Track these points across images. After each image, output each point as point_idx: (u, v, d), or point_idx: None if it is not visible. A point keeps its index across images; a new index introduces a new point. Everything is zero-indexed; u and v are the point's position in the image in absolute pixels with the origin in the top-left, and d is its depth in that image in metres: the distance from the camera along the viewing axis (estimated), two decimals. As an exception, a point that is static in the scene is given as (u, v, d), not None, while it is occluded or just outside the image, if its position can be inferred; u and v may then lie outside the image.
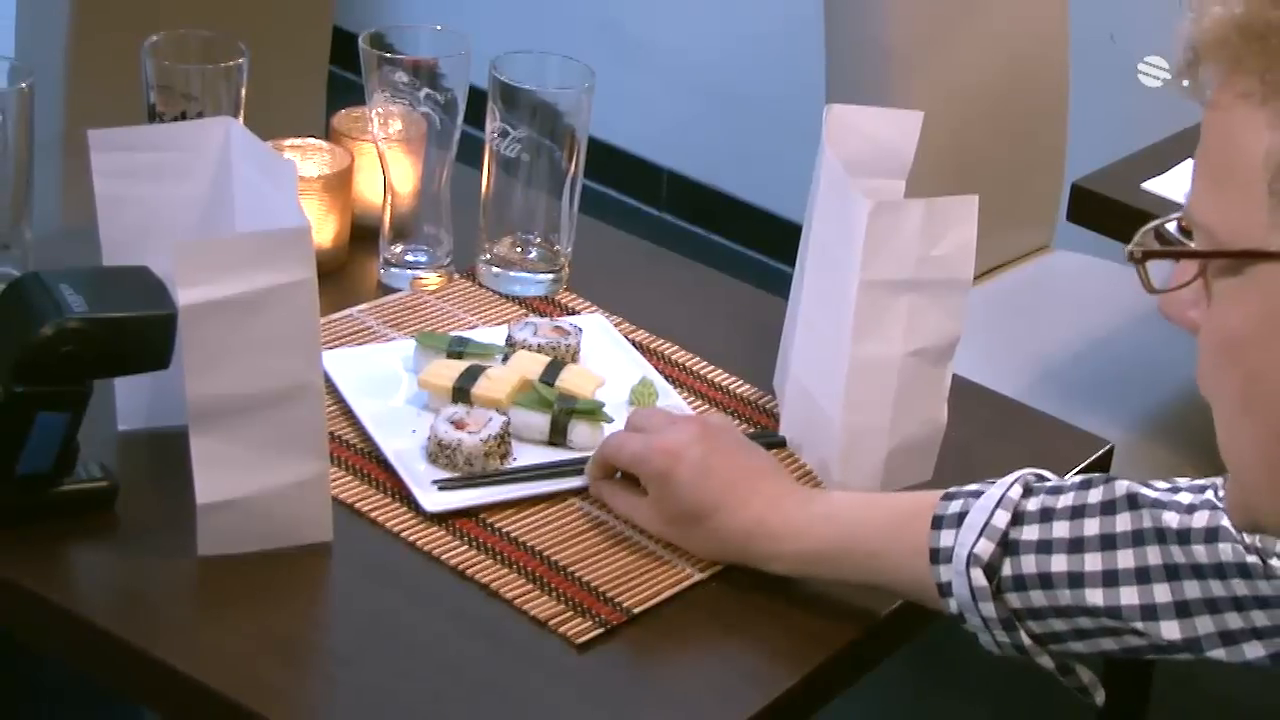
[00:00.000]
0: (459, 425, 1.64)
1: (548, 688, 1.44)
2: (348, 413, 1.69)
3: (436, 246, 1.91)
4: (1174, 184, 2.46)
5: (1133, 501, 1.41)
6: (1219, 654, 1.38)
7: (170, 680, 1.42)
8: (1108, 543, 1.41)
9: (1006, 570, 1.44)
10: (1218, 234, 1.04)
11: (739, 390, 1.81)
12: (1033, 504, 1.45)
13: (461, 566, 1.54)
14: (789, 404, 1.74)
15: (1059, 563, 1.42)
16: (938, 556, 1.46)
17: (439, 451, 1.62)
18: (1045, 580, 1.42)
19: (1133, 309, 2.86)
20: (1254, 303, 1.03)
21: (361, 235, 1.94)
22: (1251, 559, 1.33)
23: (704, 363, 1.84)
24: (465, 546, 1.56)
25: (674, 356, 1.85)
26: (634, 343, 1.84)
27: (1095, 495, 1.43)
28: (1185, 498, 1.39)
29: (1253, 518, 1.12)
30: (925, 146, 1.71)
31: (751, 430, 1.75)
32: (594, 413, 1.68)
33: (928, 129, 1.71)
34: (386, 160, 1.86)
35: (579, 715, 1.43)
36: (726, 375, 1.83)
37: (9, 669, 2.64)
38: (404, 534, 1.56)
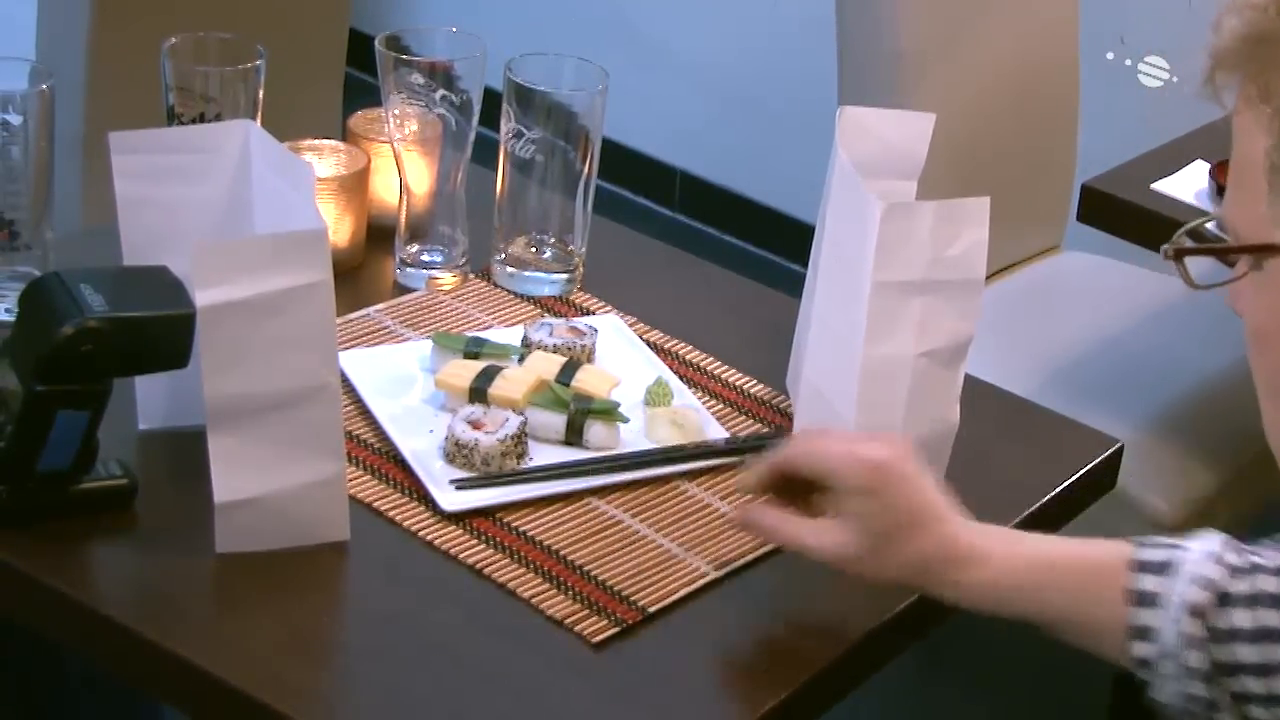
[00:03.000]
0: (476, 425, 1.65)
1: (564, 685, 1.45)
2: (365, 412, 1.70)
3: (452, 247, 1.92)
4: (1184, 185, 2.47)
5: None
6: None
7: (189, 676, 1.43)
8: None
9: (1219, 622, 1.40)
10: (1238, 231, 1.09)
11: (752, 390, 1.82)
12: (1241, 560, 1.42)
13: (478, 565, 1.55)
14: (802, 404, 1.75)
15: (1274, 618, 1.39)
16: (1141, 600, 1.42)
17: (456, 451, 1.64)
18: (1260, 635, 1.39)
19: (1142, 309, 2.87)
20: (1271, 295, 1.07)
21: (377, 235, 1.95)
22: None
23: (718, 362, 1.85)
24: (482, 546, 1.57)
25: (688, 356, 1.86)
26: (648, 343, 1.85)
27: None
28: None
29: None
30: (936, 147, 1.72)
31: (765, 430, 1.76)
32: (610, 413, 1.69)
33: (939, 130, 1.72)
34: (402, 161, 1.88)
35: (595, 713, 1.44)
36: (740, 375, 1.84)
37: (32, 665, 2.65)
38: (421, 533, 1.58)
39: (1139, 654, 1.43)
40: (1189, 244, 1.14)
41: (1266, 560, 1.41)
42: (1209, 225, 1.20)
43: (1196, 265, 1.16)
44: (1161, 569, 1.43)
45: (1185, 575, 1.41)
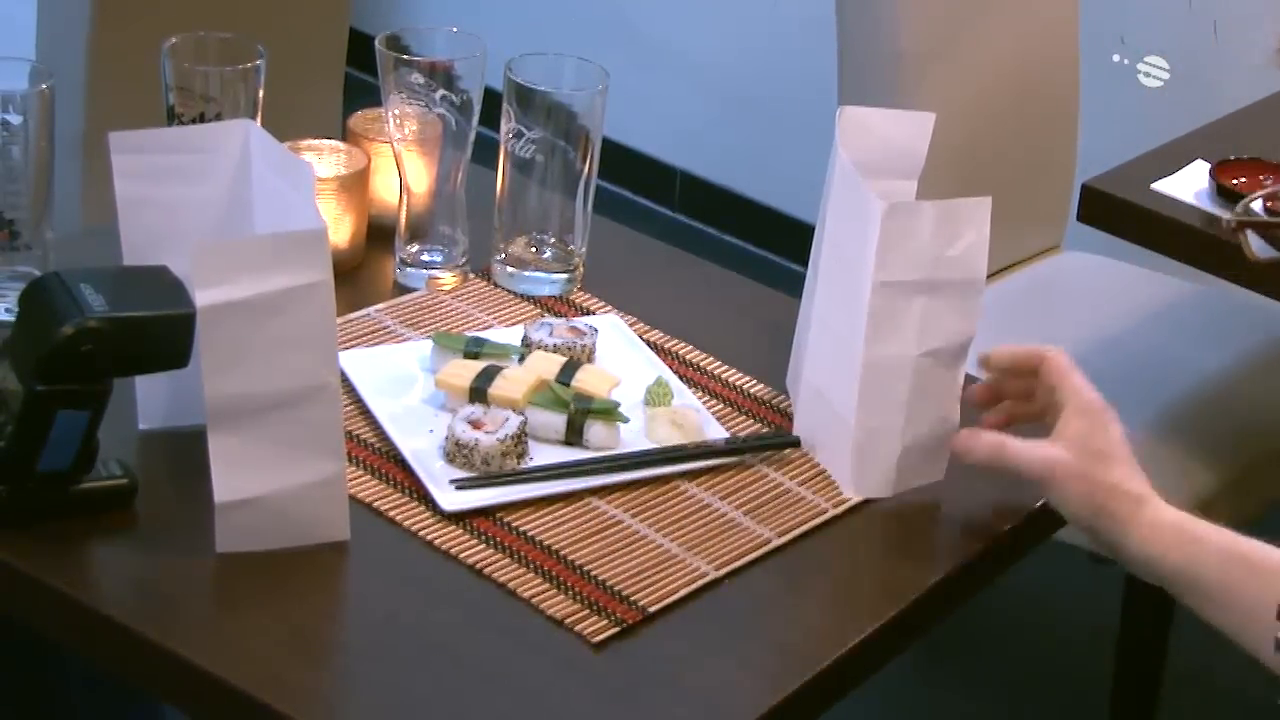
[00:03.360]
0: (476, 425, 1.65)
1: (564, 685, 1.45)
2: (365, 412, 1.70)
3: (452, 246, 1.92)
4: (1184, 185, 2.46)
5: None
6: None
7: (189, 676, 1.43)
8: None
9: None
10: None
11: (752, 390, 1.82)
12: None
13: (478, 565, 1.55)
14: (802, 404, 1.75)
15: None
16: None
17: (456, 451, 1.64)
18: None
19: (1142, 309, 2.87)
20: None
21: (378, 235, 1.95)
22: None
23: (718, 362, 1.85)
24: (482, 545, 1.57)
25: (688, 356, 1.86)
26: (649, 343, 1.86)
27: None
28: None
29: None
30: (936, 147, 1.72)
31: (765, 430, 1.76)
32: (610, 413, 1.69)
33: (939, 130, 1.72)
34: (402, 161, 1.88)
35: (595, 713, 1.44)
36: (740, 375, 1.84)
37: (32, 665, 2.65)
38: (421, 533, 1.58)
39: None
40: (1255, 215, 1.14)
41: None
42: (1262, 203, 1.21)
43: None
44: None
45: None
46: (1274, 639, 1.45)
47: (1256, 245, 1.14)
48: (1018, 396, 1.71)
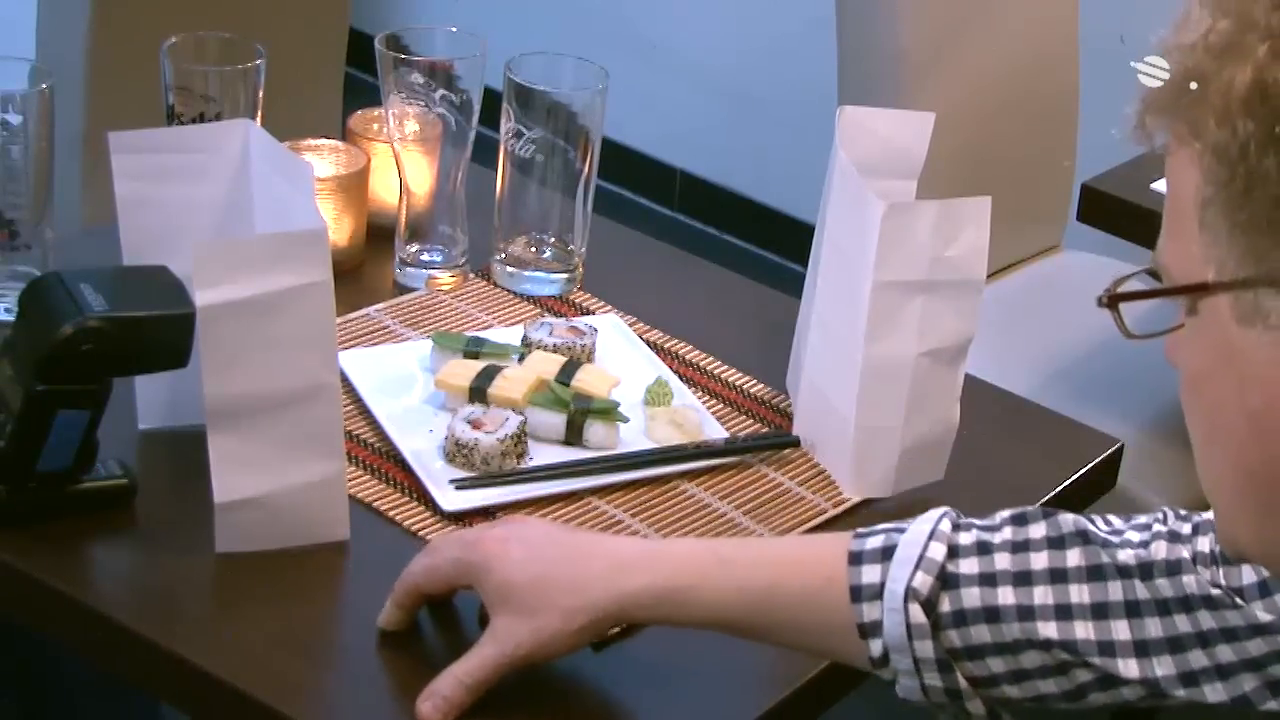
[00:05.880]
0: (476, 425, 1.65)
1: (565, 686, 1.45)
2: (365, 412, 1.70)
3: (452, 246, 1.92)
4: (1184, 185, 2.47)
5: (1085, 537, 1.35)
6: (1179, 694, 1.31)
7: (188, 675, 1.43)
8: (1058, 576, 1.34)
9: (945, 606, 1.34)
10: (1172, 273, 1.08)
11: (752, 389, 1.82)
12: (965, 538, 1.37)
13: (478, 564, 1.55)
14: (802, 403, 1.75)
15: (1005, 595, 1.33)
16: (860, 594, 1.36)
17: (456, 451, 1.64)
18: (991, 614, 1.34)
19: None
20: (1206, 337, 1.06)
21: (377, 235, 1.95)
22: (1216, 591, 1.29)
23: (718, 362, 1.85)
24: (481, 544, 1.57)
25: (688, 356, 1.86)
26: (649, 342, 1.86)
27: (1038, 530, 1.36)
28: (1135, 535, 1.35)
29: (1236, 548, 1.13)
30: (936, 147, 1.72)
31: (765, 430, 1.76)
32: (610, 412, 1.69)
33: (939, 129, 1.72)
34: (402, 161, 1.88)
35: (595, 713, 1.44)
36: (740, 374, 1.84)
37: (32, 665, 2.65)
38: (421, 533, 1.58)
39: (875, 652, 1.36)
40: (1128, 288, 1.14)
41: (992, 536, 1.36)
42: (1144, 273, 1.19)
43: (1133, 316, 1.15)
44: (881, 556, 1.36)
45: (904, 559, 1.35)
46: (855, 625, 1.35)
47: (1130, 321, 1.13)
48: None
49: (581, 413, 1.69)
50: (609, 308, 1.91)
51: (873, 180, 1.64)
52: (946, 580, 1.35)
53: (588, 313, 1.90)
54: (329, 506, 1.54)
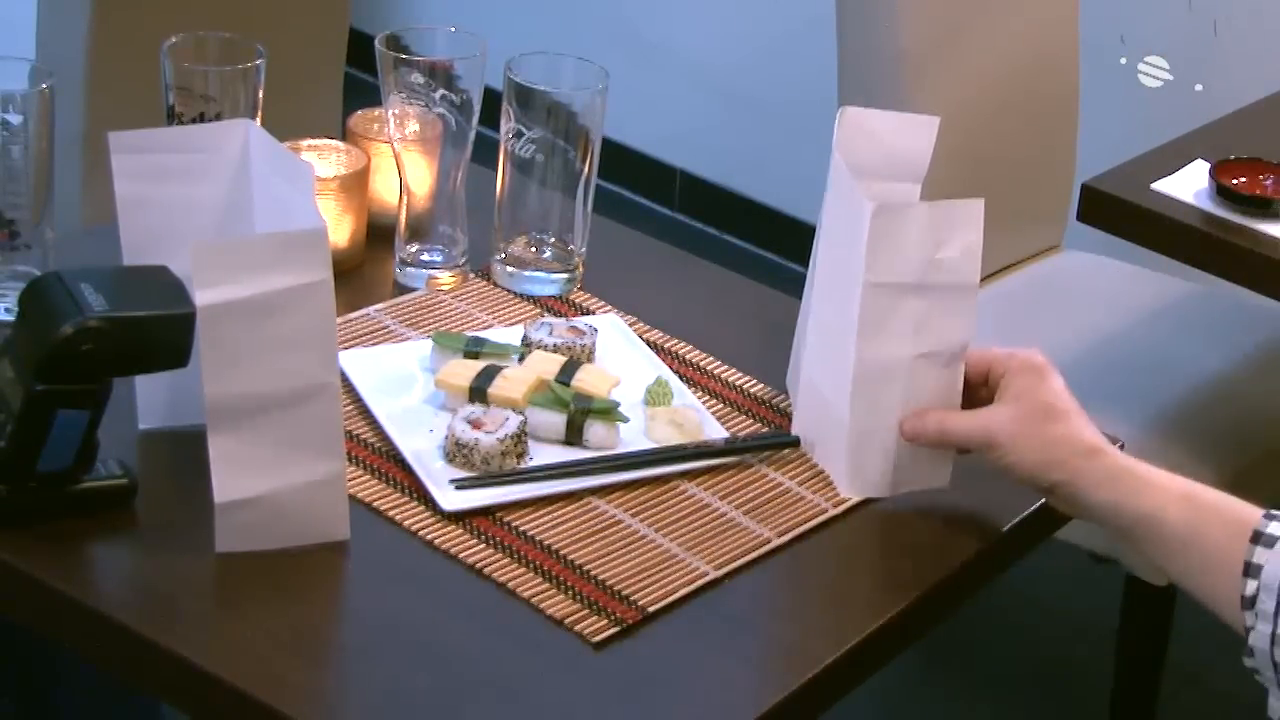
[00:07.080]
0: (476, 425, 1.65)
1: (564, 685, 1.45)
2: (365, 412, 1.70)
3: (452, 246, 1.92)
4: (1184, 185, 2.47)
5: None
6: None
7: (188, 675, 1.43)
8: None
9: None
10: None
11: (752, 389, 1.82)
12: None
13: (478, 565, 1.55)
14: (801, 403, 1.75)
15: None
16: (1249, 571, 1.46)
17: (456, 451, 1.64)
18: None
19: (1142, 309, 2.87)
20: None
21: (377, 235, 1.95)
22: None
23: (718, 362, 1.85)
24: (482, 545, 1.57)
25: (688, 356, 1.86)
26: (649, 342, 1.86)
27: None
28: None
29: None
30: (936, 147, 1.72)
31: (765, 430, 1.76)
32: (609, 412, 1.69)
33: (939, 130, 1.71)
34: (402, 161, 1.88)
35: (595, 713, 1.44)
36: (740, 374, 1.84)
37: (32, 665, 2.65)
38: (421, 533, 1.58)
39: (1246, 623, 1.45)
40: None
41: None
42: None
43: None
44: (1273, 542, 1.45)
45: None
46: (1240, 596, 1.44)
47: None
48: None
49: (581, 413, 1.69)
50: (609, 308, 1.91)
51: (875, 183, 1.64)
52: None
53: (588, 313, 1.90)
54: (329, 506, 1.54)
